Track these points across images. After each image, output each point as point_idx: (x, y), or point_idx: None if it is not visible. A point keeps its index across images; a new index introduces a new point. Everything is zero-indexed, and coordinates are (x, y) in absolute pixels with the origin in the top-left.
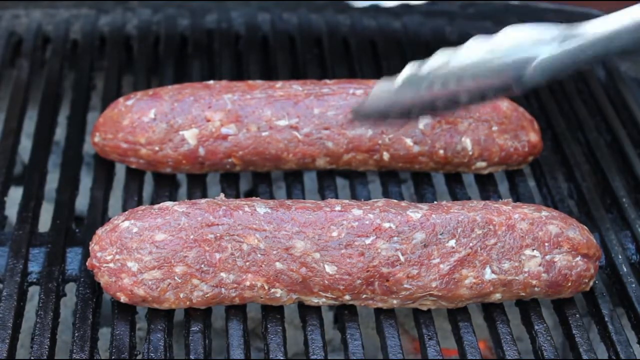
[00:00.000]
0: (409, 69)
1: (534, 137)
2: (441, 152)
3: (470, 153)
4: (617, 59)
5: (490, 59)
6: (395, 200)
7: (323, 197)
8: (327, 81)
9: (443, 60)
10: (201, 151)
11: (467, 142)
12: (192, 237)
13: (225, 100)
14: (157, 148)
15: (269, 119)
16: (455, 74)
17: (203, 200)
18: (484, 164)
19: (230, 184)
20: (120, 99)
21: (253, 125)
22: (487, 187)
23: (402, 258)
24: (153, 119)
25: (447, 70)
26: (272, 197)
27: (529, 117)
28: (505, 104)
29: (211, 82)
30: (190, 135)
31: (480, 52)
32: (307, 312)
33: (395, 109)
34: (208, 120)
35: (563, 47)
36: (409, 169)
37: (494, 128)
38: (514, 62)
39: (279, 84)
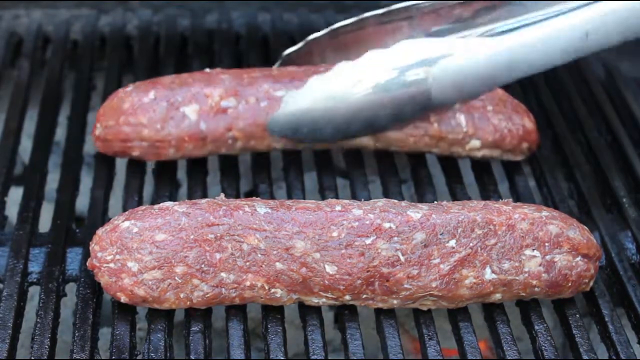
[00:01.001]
0: (318, 82)
1: (528, 123)
2: (435, 125)
3: (465, 129)
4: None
5: (392, 81)
6: (395, 201)
7: (323, 197)
8: (323, 65)
9: (351, 81)
10: (202, 126)
11: (462, 118)
12: (192, 237)
13: (223, 79)
14: (158, 126)
15: (267, 90)
16: (367, 101)
17: (203, 200)
18: (477, 142)
19: (231, 183)
20: (119, 90)
21: (252, 97)
22: (487, 187)
23: (402, 258)
24: (153, 99)
25: (359, 95)
26: (272, 197)
27: (524, 107)
28: (500, 92)
29: (207, 70)
30: (190, 111)
31: (381, 74)
32: (307, 312)
33: (307, 128)
34: (207, 96)
35: (464, 58)
36: (404, 145)
37: (489, 108)
38: (417, 87)
39: (275, 69)
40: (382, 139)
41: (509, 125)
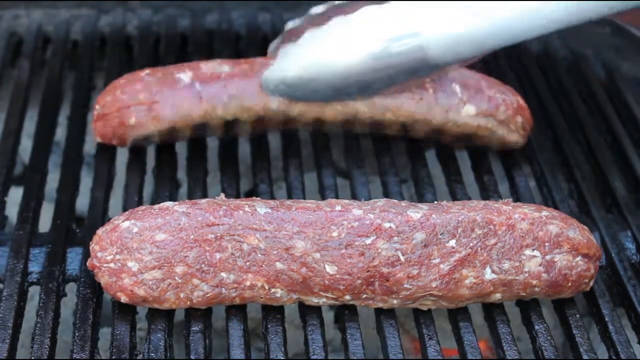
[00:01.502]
0: (312, 36)
1: (522, 101)
2: (431, 91)
3: (460, 96)
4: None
5: (385, 37)
6: (395, 200)
7: (323, 197)
8: None
9: (346, 34)
10: (197, 86)
11: (457, 87)
12: (192, 237)
13: (218, 60)
14: (154, 90)
15: (262, 59)
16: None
17: (203, 200)
18: (472, 108)
19: (231, 183)
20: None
21: (246, 65)
22: (487, 187)
23: (402, 258)
24: (148, 73)
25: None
26: (272, 197)
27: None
28: (493, 78)
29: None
30: (185, 76)
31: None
32: (307, 312)
33: (301, 83)
34: (202, 67)
35: (464, 25)
36: (400, 114)
37: (483, 83)
38: (410, 44)
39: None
40: (377, 105)
41: (503, 96)
